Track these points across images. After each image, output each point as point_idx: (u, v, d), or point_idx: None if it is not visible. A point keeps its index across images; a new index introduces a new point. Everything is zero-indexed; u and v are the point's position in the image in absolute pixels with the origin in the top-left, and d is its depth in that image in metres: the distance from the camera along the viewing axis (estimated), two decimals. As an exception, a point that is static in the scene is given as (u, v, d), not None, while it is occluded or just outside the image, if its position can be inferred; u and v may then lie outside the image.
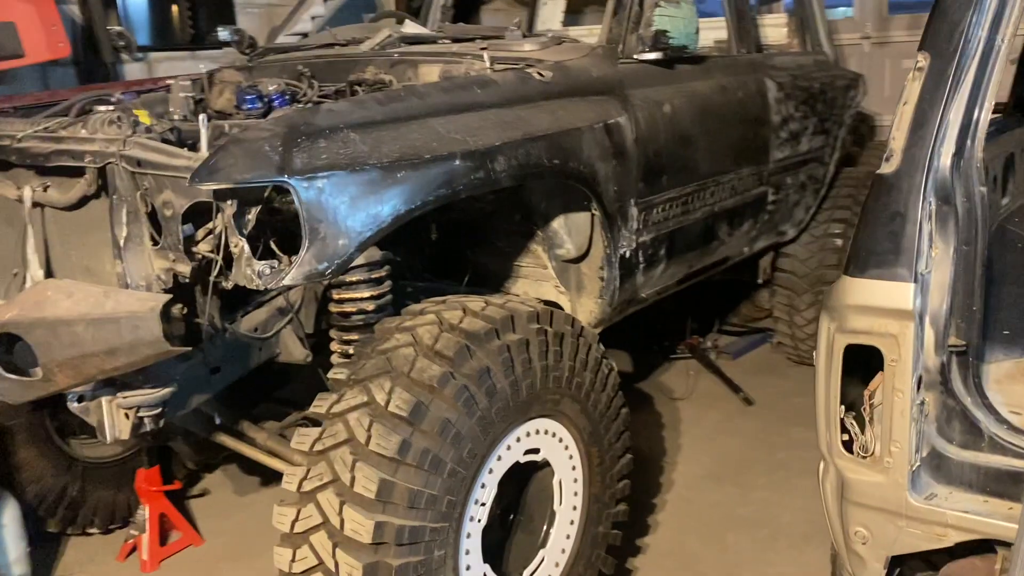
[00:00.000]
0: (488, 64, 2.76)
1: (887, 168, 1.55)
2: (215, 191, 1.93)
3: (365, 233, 2.01)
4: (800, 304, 4.67)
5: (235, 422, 2.94)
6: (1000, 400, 1.61)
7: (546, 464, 2.54)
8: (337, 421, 2.12)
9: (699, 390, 4.79)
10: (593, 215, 2.80)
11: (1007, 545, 1.55)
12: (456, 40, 3.24)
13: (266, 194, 2.02)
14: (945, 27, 1.50)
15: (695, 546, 3.42)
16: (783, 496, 3.74)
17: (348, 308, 2.43)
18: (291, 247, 2.06)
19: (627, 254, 2.98)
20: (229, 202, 1.94)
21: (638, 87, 3.02)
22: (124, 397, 2.20)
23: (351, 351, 2.38)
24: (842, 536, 1.78)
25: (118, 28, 5.43)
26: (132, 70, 5.54)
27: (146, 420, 2.24)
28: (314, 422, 2.20)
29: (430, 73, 2.92)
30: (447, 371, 2.14)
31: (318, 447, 2.11)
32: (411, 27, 3.42)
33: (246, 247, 1.95)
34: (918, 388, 1.54)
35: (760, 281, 4.72)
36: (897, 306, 1.52)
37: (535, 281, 3.14)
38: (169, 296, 1.91)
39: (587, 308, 3.07)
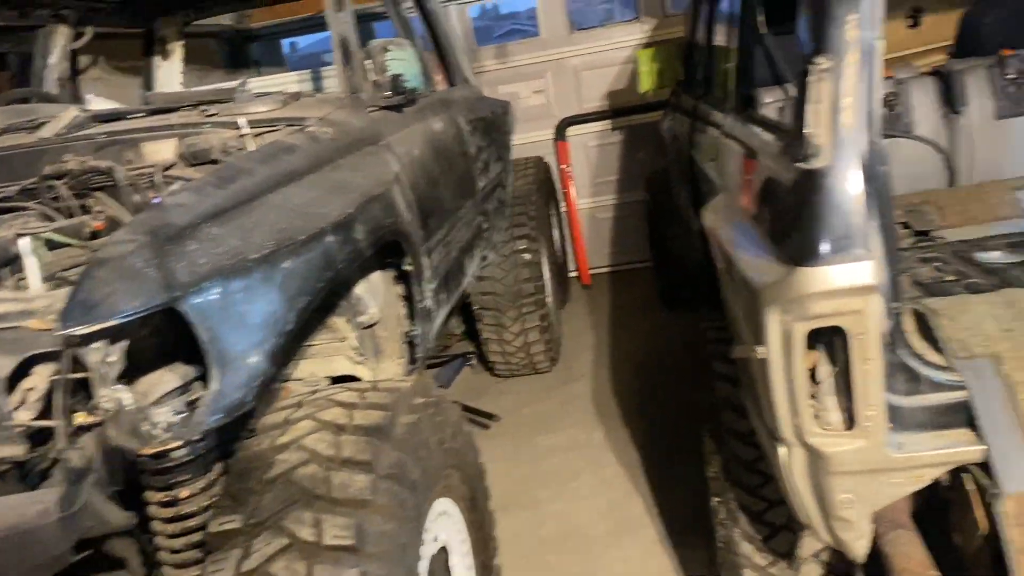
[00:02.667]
0: (246, 129, 2.41)
1: (818, 163, 1.69)
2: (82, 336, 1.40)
3: (274, 342, 1.63)
4: (506, 321, 4.86)
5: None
6: (917, 348, 1.87)
7: (443, 549, 2.31)
8: (259, 581, 1.69)
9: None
10: (407, 271, 2.60)
11: (966, 470, 1.80)
12: (161, 112, 2.78)
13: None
14: (838, 32, 1.69)
15: (528, 579, 3.39)
16: (569, 503, 3.87)
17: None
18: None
19: (427, 305, 2.83)
20: (96, 345, 1.42)
21: (391, 134, 2.88)
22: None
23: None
24: (818, 510, 1.90)
25: None
26: None
27: None
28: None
29: (161, 150, 2.46)
30: (372, 478, 1.83)
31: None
32: (99, 103, 2.84)
33: (127, 398, 1.45)
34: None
35: (475, 307, 4.80)
36: (861, 283, 1.67)
37: (325, 358, 2.81)
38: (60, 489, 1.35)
39: (389, 372, 2.84)
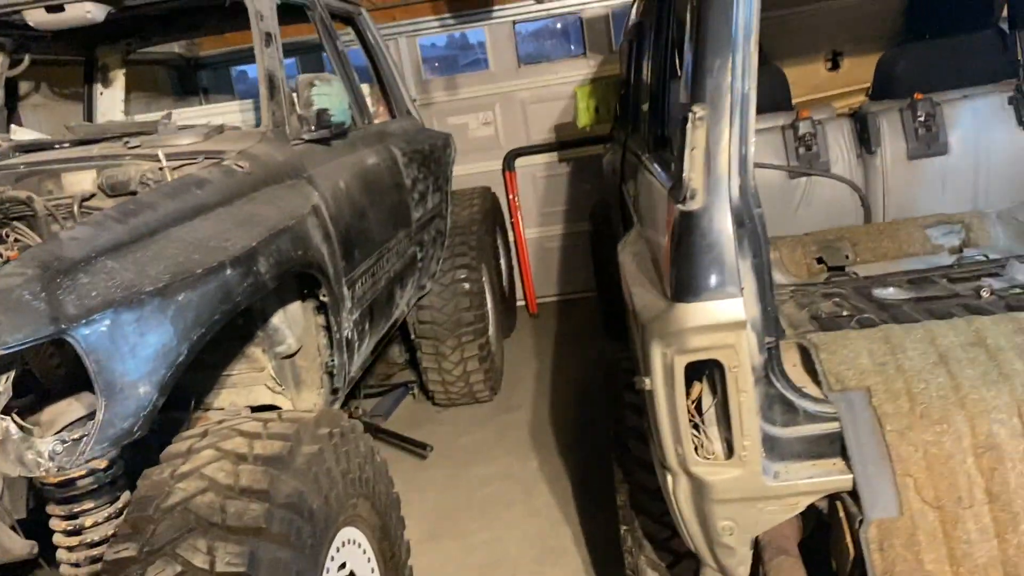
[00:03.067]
0: (163, 162, 2.45)
1: (694, 205, 1.78)
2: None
3: (163, 373, 1.66)
4: (446, 350, 4.90)
5: None
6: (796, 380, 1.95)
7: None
8: (151, 610, 1.72)
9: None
10: (323, 302, 2.64)
11: (840, 497, 1.88)
12: (84, 143, 2.81)
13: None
14: (713, 82, 1.78)
15: (455, 610, 3.42)
16: (500, 532, 3.90)
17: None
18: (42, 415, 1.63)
19: (348, 335, 2.87)
20: (-24, 376, 1.46)
21: (315, 166, 2.94)
22: None
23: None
24: (703, 537, 1.97)
25: None
26: None
27: None
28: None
29: (80, 181, 2.50)
30: (268, 506, 1.86)
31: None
32: (22, 133, 2.87)
33: (12, 426, 1.48)
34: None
35: (413, 336, 4.85)
36: (733, 319, 1.76)
37: (244, 388, 2.85)
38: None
39: (309, 402, 2.88)
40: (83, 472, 1.83)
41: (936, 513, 1.74)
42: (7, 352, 1.44)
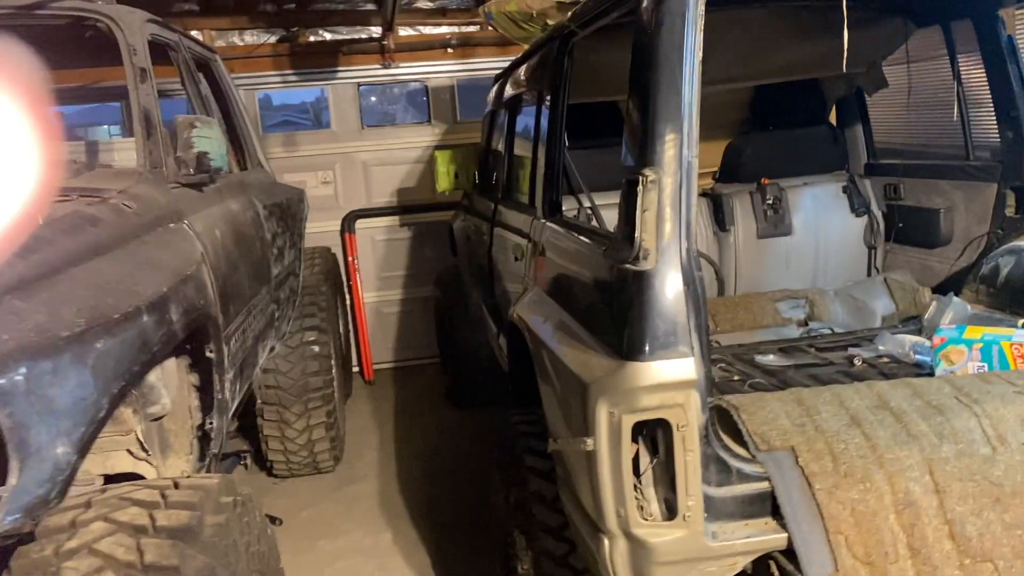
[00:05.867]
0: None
1: (646, 265, 1.79)
2: None
3: (83, 431, 1.42)
4: (290, 416, 4.62)
5: None
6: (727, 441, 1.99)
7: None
8: None
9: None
10: (208, 358, 2.40)
11: (771, 557, 1.92)
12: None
13: None
14: (663, 148, 1.82)
15: None
16: (359, 611, 3.67)
17: None
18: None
19: (225, 395, 2.63)
20: None
21: (192, 213, 2.71)
22: None
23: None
24: (639, 602, 1.94)
25: None
26: None
27: None
28: None
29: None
30: (178, 588, 1.63)
31: None
32: None
33: None
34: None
35: (258, 401, 4.53)
36: (683, 378, 1.77)
37: (103, 453, 2.52)
38: None
39: (176, 470, 2.59)
40: None
41: (867, 569, 1.81)
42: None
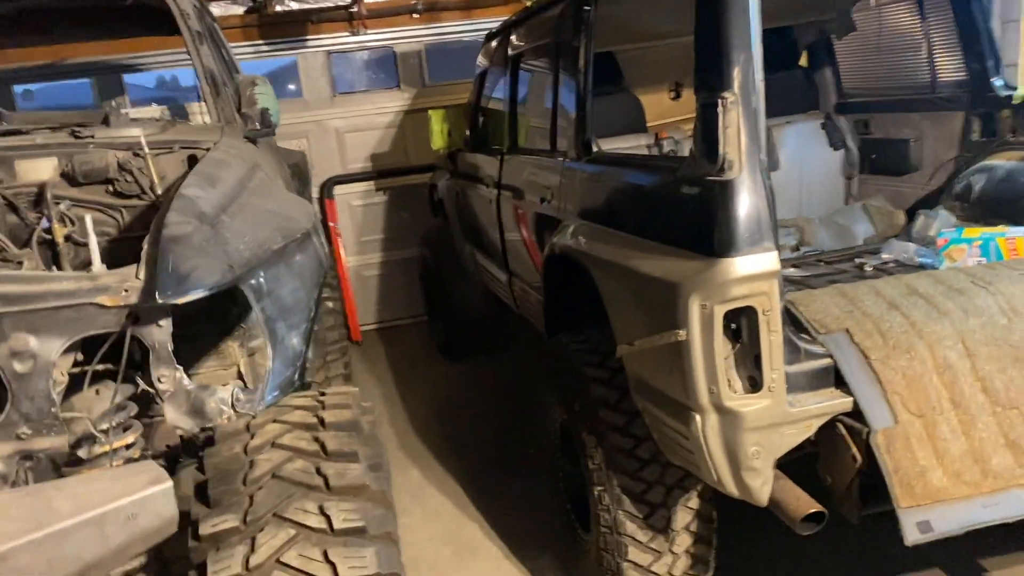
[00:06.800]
0: (146, 149, 2.36)
1: (731, 175, 2.09)
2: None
3: (304, 328, 1.66)
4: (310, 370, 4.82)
5: None
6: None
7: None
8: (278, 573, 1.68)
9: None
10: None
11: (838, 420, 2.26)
12: (14, 132, 2.59)
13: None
14: (741, 72, 2.12)
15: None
16: (406, 536, 3.87)
17: None
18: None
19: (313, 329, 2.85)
20: (162, 323, 1.39)
21: (264, 164, 2.91)
22: None
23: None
24: (729, 467, 2.25)
25: None
26: None
27: None
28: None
29: (38, 169, 2.33)
30: (362, 467, 1.89)
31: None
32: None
33: (184, 377, 1.42)
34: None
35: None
36: (769, 269, 2.08)
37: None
38: (160, 467, 1.28)
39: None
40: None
41: (919, 420, 2.18)
42: (208, 294, 1.39)
